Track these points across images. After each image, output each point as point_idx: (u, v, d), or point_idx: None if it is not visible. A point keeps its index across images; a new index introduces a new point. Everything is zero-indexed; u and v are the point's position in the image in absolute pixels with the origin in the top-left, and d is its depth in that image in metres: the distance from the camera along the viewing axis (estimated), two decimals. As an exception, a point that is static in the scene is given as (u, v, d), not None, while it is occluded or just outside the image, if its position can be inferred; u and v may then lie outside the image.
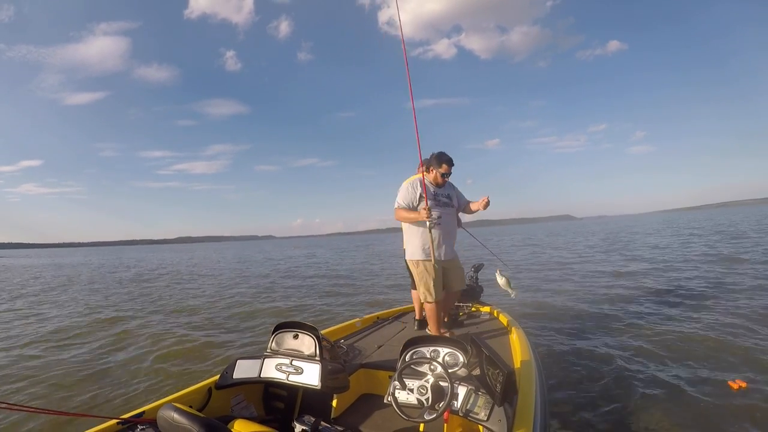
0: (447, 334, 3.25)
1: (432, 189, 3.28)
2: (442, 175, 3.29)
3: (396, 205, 3.27)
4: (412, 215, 3.18)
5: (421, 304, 3.48)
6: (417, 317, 3.73)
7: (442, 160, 3.27)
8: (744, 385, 3.29)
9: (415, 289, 3.57)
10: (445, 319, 3.61)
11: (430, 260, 3.16)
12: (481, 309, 4.17)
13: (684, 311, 5.84)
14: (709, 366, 3.82)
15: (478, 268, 4.48)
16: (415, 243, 3.27)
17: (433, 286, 3.17)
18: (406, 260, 3.42)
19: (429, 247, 3.16)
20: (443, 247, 3.25)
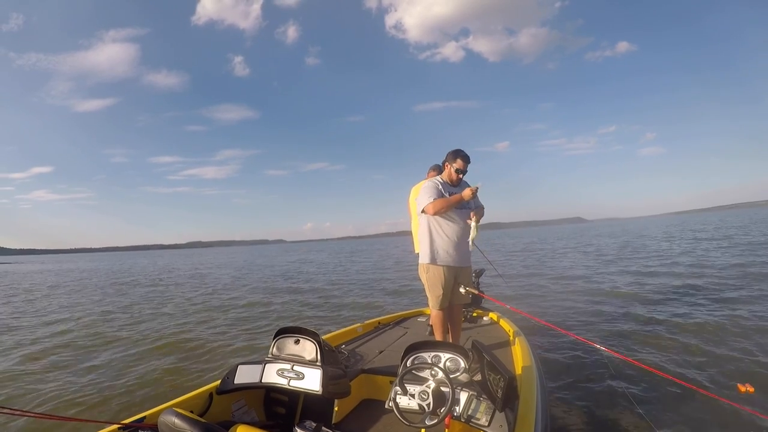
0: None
1: (446, 188, 3.06)
2: (457, 171, 3.05)
3: (426, 202, 2.98)
4: (454, 198, 2.97)
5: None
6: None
7: (458, 155, 3.04)
8: (752, 390, 3.27)
9: None
10: (449, 335, 3.30)
11: (441, 265, 3.03)
12: (483, 314, 4.16)
13: (693, 319, 5.69)
14: (719, 371, 3.79)
15: (479, 274, 4.49)
16: (426, 246, 3.08)
17: (443, 294, 3.03)
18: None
19: (441, 251, 3.01)
20: (457, 252, 3.05)
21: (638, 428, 2.92)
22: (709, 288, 7.73)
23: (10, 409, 1.51)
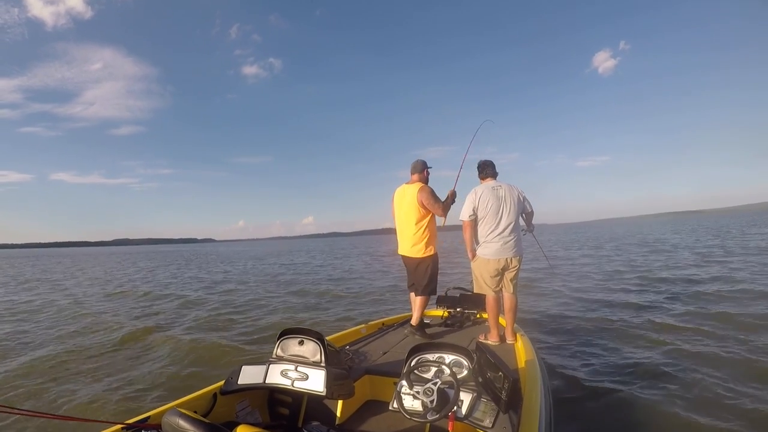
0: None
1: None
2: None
3: (464, 218, 3.46)
4: (468, 246, 3.57)
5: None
6: (414, 322, 3.65)
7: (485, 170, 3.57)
8: None
9: (410, 289, 3.73)
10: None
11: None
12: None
13: (700, 319, 5.64)
14: (732, 368, 3.81)
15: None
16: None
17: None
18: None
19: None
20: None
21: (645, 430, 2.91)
22: (713, 287, 7.65)
23: (11, 408, 1.51)
